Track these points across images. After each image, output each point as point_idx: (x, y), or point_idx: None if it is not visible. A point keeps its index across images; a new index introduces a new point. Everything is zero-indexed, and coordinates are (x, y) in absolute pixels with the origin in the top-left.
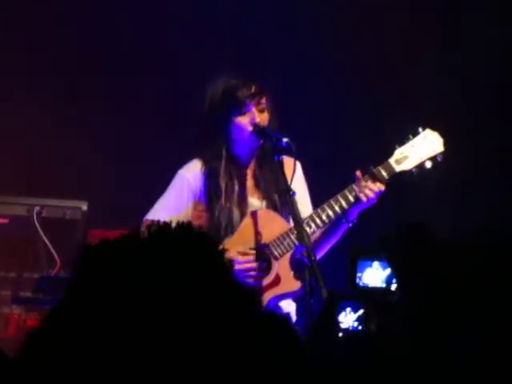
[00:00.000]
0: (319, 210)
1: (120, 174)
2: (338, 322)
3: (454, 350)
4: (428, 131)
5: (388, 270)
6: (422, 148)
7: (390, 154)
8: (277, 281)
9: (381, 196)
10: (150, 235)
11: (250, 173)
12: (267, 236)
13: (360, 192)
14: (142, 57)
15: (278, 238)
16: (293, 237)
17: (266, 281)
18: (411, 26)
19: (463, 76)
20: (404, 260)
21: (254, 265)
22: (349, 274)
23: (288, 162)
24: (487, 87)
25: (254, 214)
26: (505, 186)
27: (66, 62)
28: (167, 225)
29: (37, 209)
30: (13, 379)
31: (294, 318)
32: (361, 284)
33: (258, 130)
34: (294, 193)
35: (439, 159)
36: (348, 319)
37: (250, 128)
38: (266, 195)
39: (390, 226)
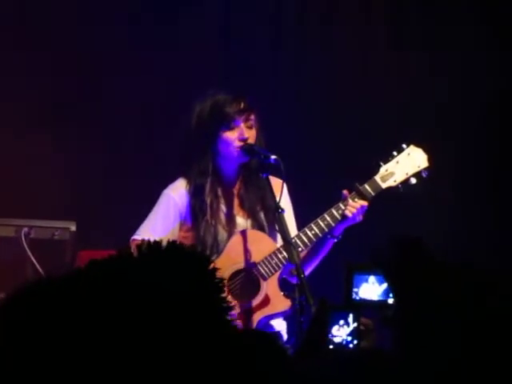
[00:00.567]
0: (306, 229)
1: (109, 194)
2: (327, 333)
3: (444, 364)
4: (412, 147)
5: (384, 285)
6: (406, 164)
7: (376, 171)
8: (266, 301)
9: (367, 213)
10: (141, 255)
11: (235, 191)
12: (255, 256)
13: (346, 210)
14: (130, 71)
15: (266, 258)
16: (281, 256)
17: (256, 301)
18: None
19: (449, 93)
20: (397, 274)
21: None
22: (344, 289)
23: (275, 181)
24: (474, 102)
25: (241, 234)
26: (493, 201)
27: (52, 82)
28: (158, 243)
29: (25, 230)
30: None
31: (284, 336)
32: (357, 298)
33: (245, 147)
34: (282, 210)
35: (424, 175)
36: (341, 333)
37: (238, 144)
38: (251, 214)
39: (383, 241)
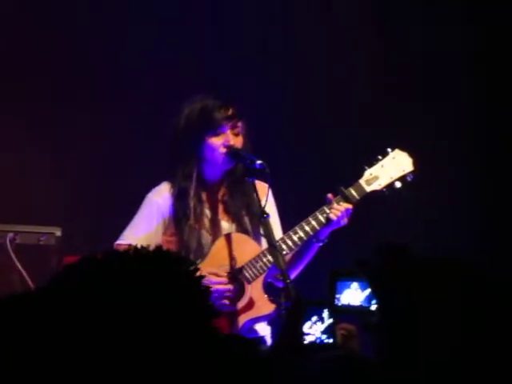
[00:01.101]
0: (291, 233)
1: (94, 198)
2: (302, 331)
3: (429, 369)
4: (397, 151)
5: (367, 291)
6: (391, 168)
7: (360, 175)
8: (251, 304)
9: (352, 217)
10: (128, 260)
11: (220, 196)
12: (240, 259)
13: (331, 213)
14: (117, 80)
15: (251, 262)
16: (265, 260)
17: (240, 304)
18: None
19: (435, 99)
20: (382, 281)
21: (226, 287)
22: (327, 295)
23: (261, 186)
24: (460, 108)
25: (226, 237)
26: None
27: (40, 87)
28: (144, 249)
29: (10, 235)
30: None
31: (269, 341)
32: (340, 304)
33: (231, 151)
34: (268, 215)
35: (409, 179)
36: (314, 330)
37: (223, 150)
38: (235, 219)
39: (368, 247)
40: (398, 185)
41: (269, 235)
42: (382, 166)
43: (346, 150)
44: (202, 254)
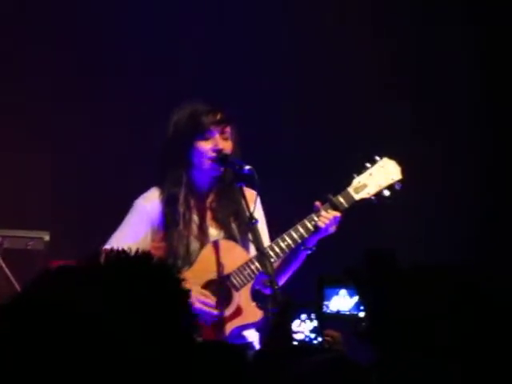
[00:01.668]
0: (279, 240)
1: (82, 203)
2: (291, 332)
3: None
4: (385, 160)
5: (355, 298)
6: (380, 176)
7: (349, 182)
8: (238, 312)
9: (340, 225)
10: (108, 263)
11: (208, 202)
12: (227, 266)
13: (319, 221)
14: (108, 84)
15: (239, 269)
16: (253, 267)
17: (228, 312)
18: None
19: (422, 103)
20: (370, 288)
21: (213, 303)
22: (315, 302)
23: (249, 192)
24: (450, 113)
25: (213, 244)
26: (468, 209)
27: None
28: (125, 253)
29: None
30: None
31: (257, 347)
32: (328, 312)
33: (219, 157)
34: (256, 221)
35: (397, 187)
36: (303, 328)
37: (212, 154)
38: (223, 225)
39: (356, 254)
40: (387, 193)
41: (257, 242)
42: (371, 174)
43: (335, 157)
44: (189, 260)
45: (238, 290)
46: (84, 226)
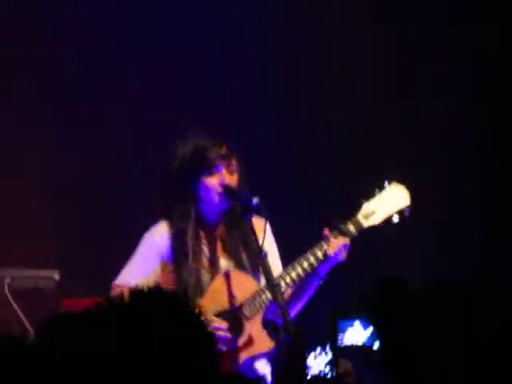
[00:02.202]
0: (289, 268)
1: (91, 239)
2: (306, 364)
3: None
4: (394, 185)
5: (370, 329)
6: (388, 202)
7: (358, 209)
8: (250, 342)
9: (350, 253)
10: (124, 302)
11: (217, 234)
12: (238, 296)
13: (328, 248)
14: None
15: (249, 299)
16: (264, 296)
17: (239, 342)
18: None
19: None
20: (383, 315)
21: (226, 328)
22: (329, 334)
23: (258, 222)
24: (457, 122)
25: (224, 275)
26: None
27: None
28: (139, 290)
29: (7, 280)
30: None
31: (269, 379)
32: (342, 345)
33: (227, 190)
34: (265, 254)
35: (406, 213)
36: (318, 362)
37: (219, 189)
38: (233, 256)
39: (368, 281)
40: (396, 219)
41: (267, 272)
42: (380, 200)
43: (344, 182)
44: (200, 291)
45: (249, 320)
46: (93, 263)
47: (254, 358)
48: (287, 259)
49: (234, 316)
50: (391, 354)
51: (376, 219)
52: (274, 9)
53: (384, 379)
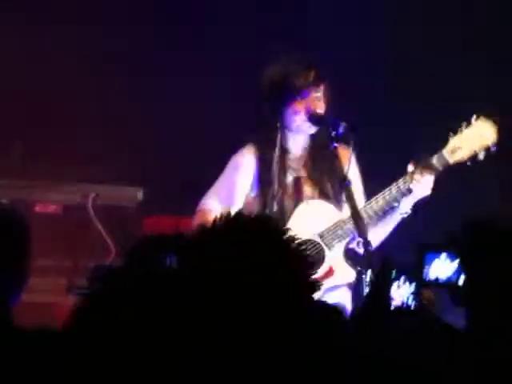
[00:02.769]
0: (372, 201)
1: (176, 159)
2: (389, 295)
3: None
4: (481, 121)
5: (456, 262)
6: (475, 138)
7: (444, 144)
8: (330, 272)
9: (436, 188)
10: (218, 229)
11: (302, 162)
12: (320, 225)
13: (412, 182)
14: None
15: (331, 228)
16: (346, 227)
17: (320, 271)
18: None
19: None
20: (473, 258)
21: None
22: (415, 268)
23: (343, 151)
24: None
25: (307, 203)
26: None
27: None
28: (236, 216)
29: (92, 196)
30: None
31: (349, 305)
32: (427, 279)
33: (314, 117)
34: (349, 182)
35: (493, 149)
36: (401, 292)
37: (306, 115)
38: (318, 185)
39: (454, 220)
40: (482, 156)
41: (351, 202)
42: (467, 136)
43: (430, 120)
44: (283, 219)
45: (330, 249)
46: (177, 181)
47: (333, 288)
48: (372, 193)
49: (316, 245)
50: (477, 291)
51: (462, 155)
52: None
53: (469, 316)
